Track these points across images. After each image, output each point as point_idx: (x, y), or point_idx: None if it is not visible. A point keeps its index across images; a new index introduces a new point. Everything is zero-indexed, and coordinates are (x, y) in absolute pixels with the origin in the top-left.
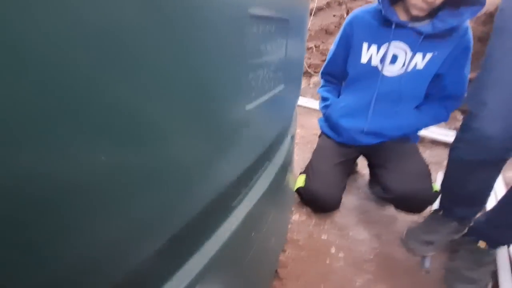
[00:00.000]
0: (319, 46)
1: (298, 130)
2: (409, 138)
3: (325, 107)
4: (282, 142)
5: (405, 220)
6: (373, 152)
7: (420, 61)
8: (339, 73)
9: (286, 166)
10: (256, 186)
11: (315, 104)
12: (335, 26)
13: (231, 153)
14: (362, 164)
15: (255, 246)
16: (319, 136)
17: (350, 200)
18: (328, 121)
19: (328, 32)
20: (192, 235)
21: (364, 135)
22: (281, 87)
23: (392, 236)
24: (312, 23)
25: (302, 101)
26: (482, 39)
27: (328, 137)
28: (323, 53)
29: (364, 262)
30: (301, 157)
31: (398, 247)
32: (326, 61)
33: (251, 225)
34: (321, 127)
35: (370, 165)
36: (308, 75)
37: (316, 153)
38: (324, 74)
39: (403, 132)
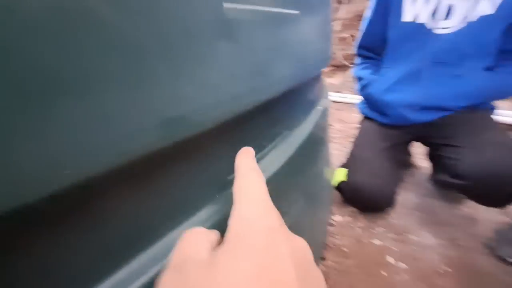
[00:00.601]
0: (354, 35)
1: (336, 125)
2: (480, 109)
3: (363, 88)
4: (307, 109)
5: (489, 220)
6: (431, 131)
7: (488, 4)
8: (379, 43)
9: (314, 144)
10: (266, 159)
11: (354, 99)
12: None
13: (205, 72)
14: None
15: None
16: (360, 123)
17: (408, 198)
18: (369, 102)
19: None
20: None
21: (416, 111)
22: (293, 11)
23: (473, 241)
24: (346, 11)
25: (339, 96)
26: None
27: (371, 119)
28: None
29: (438, 276)
30: (342, 152)
31: (485, 256)
32: (361, 32)
33: None
34: (360, 110)
35: (430, 151)
36: (344, 68)
37: (357, 140)
38: (361, 49)
39: (470, 101)
